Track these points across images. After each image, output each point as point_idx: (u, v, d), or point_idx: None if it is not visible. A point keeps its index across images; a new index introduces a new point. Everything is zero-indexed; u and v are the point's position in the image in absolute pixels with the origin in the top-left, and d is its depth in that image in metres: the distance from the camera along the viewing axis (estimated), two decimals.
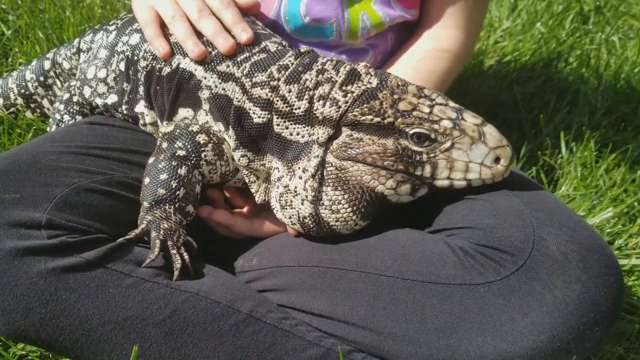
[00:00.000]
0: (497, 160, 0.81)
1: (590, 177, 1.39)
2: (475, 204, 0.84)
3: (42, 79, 1.22)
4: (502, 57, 1.91)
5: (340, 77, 0.85)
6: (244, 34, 0.93)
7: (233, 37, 0.93)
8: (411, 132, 0.81)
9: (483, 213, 0.82)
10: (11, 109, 1.28)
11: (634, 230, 1.27)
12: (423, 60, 1.10)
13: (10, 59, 1.61)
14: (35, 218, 0.76)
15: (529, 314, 0.74)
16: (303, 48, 0.93)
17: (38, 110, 1.28)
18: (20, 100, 1.26)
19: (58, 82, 1.22)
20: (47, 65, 1.21)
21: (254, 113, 0.87)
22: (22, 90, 1.25)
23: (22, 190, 0.80)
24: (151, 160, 0.88)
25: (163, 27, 0.96)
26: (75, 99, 1.10)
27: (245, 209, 1.01)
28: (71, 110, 1.11)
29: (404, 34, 1.16)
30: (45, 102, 1.26)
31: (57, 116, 1.12)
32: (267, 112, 0.87)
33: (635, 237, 1.26)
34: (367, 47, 1.11)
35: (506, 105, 1.63)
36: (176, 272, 0.81)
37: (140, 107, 1.00)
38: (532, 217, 0.80)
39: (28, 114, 1.28)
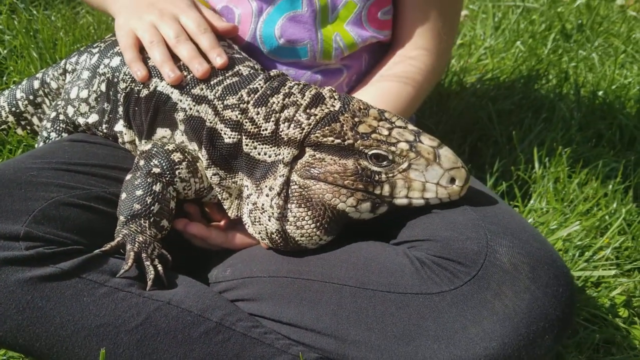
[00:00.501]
0: (452, 180, 0.86)
1: (563, 191, 1.43)
2: (436, 218, 0.89)
3: (31, 97, 1.28)
4: (484, 74, 1.97)
5: (305, 100, 0.90)
6: (218, 59, 0.98)
7: (208, 61, 0.98)
8: (370, 153, 0.86)
9: (442, 226, 0.87)
10: (2, 126, 1.34)
11: (604, 243, 1.31)
12: (393, 80, 1.15)
13: (5, 78, 1.67)
14: (14, 230, 0.81)
15: (481, 322, 0.78)
16: (273, 72, 0.98)
17: (28, 128, 1.33)
18: (11, 118, 1.32)
19: (47, 101, 1.27)
20: (36, 84, 1.27)
21: (225, 134, 0.92)
22: (13, 109, 1.31)
23: (2, 204, 0.84)
24: (128, 177, 0.93)
25: (143, 51, 1.01)
26: (61, 117, 1.15)
27: (222, 223, 1.06)
28: (57, 128, 1.16)
29: (378, 54, 1.21)
30: (35, 120, 1.31)
31: (45, 134, 1.17)
32: (237, 133, 0.92)
33: (605, 249, 1.30)
34: (341, 67, 1.16)
35: (483, 122, 1.67)
36: (149, 282, 0.85)
37: (119, 127, 1.05)
38: (487, 229, 0.84)
39: (19, 131, 1.34)
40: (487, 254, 0.82)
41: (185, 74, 0.97)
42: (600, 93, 1.89)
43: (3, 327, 0.79)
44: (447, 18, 1.19)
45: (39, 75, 1.27)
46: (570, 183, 1.44)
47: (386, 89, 1.13)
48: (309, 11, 1.09)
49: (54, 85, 1.23)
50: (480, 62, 2.10)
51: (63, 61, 1.20)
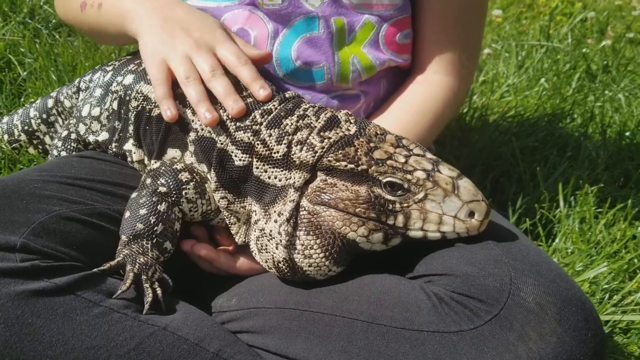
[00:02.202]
0: (471, 214, 0.81)
1: (590, 232, 1.37)
2: (456, 252, 0.84)
3: (44, 116, 1.26)
4: (507, 111, 1.93)
5: (319, 123, 0.86)
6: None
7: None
8: (384, 180, 0.81)
9: (462, 261, 0.82)
10: (14, 145, 1.32)
11: (632, 287, 1.24)
12: (413, 105, 1.11)
13: (22, 99, 1.67)
14: (10, 241, 0.77)
15: None
16: (288, 93, 0.95)
17: (40, 147, 1.31)
18: (23, 137, 1.30)
19: (60, 120, 1.25)
20: (50, 103, 1.25)
21: (235, 156, 0.89)
22: (26, 127, 1.29)
23: (1, 214, 0.81)
24: (134, 195, 0.90)
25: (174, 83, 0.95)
26: (72, 136, 1.13)
27: (231, 248, 1.01)
28: (68, 147, 1.14)
29: (397, 80, 1.18)
30: (47, 139, 1.29)
31: (55, 152, 1.15)
32: (248, 155, 0.88)
33: (634, 293, 1.23)
34: (359, 93, 1.12)
35: (506, 158, 1.63)
36: (146, 306, 0.81)
37: (129, 145, 1.03)
38: (510, 266, 0.79)
39: (31, 150, 1.32)
40: (511, 291, 0.76)
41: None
42: (627, 133, 1.83)
43: None
44: (468, 43, 1.16)
45: (54, 94, 1.26)
46: (596, 224, 1.38)
47: (404, 116, 1.10)
48: (325, 33, 1.06)
49: (67, 103, 1.21)
50: (503, 100, 2.06)
51: (77, 80, 1.18)
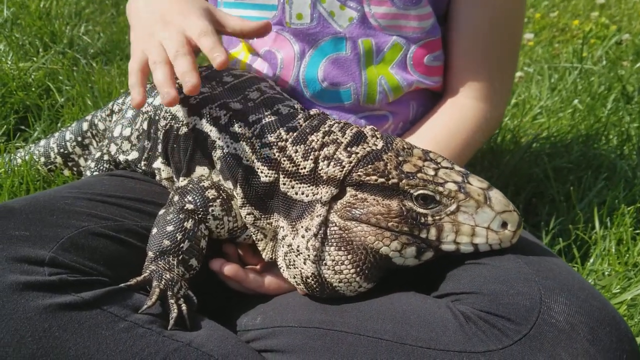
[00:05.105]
0: (504, 225, 0.80)
1: (627, 254, 1.32)
2: (483, 269, 0.82)
3: (79, 139, 1.30)
4: (539, 132, 1.90)
5: (345, 138, 0.86)
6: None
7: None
8: (416, 193, 0.80)
9: (490, 279, 0.80)
10: (50, 166, 1.36)
11: None
12: (444, 128, 1.10)
13: (59, 124, 1.73)
14: (39, 255, 0.79)
15: None
16: (313, 111, 0.95)
17: (75, 169, 1.35)
18: (59, 159, 1.34)
19: (94, 142, 1.29)
20: (85, 126, 1.29)
21: (261, 172, 0.89)
22: (62, 150, 1.33)
23: (32, 228, 0.83)
24: (161, 212, 0.91)
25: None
26: (105, 157, 1.16)
27: (258, 266, 1.01)
28: (101, 167, 1.16)
29: (427, 103, 1.17)
30: (82, 161, 1.33)
31: (88, 173, 1.18)
32: (274, 172, 0.89)
33: None
34: (387, 113, 1.12)
35: (538, 179, 1.59)
36: (171, 322, 0.81)
37: (158, 163, 1.05)
38: (540, 285, 0.77)
39: (65, 172, 1.35)
40: (541, 310, 0.73)
41: (223, 112, 0.95)
42: None
43: (17, 355, 0.74)
44: (499, 70, 1.15)
45: (89, 117, 1.30)
46: (634, 245, 1.33)
47: (435, 138, 1.09)
48: (352, 54, 1.07)
49: (101, 126, 1.24)
50: (535, 122, 2.03)
51: (111, 103, 1.22)
